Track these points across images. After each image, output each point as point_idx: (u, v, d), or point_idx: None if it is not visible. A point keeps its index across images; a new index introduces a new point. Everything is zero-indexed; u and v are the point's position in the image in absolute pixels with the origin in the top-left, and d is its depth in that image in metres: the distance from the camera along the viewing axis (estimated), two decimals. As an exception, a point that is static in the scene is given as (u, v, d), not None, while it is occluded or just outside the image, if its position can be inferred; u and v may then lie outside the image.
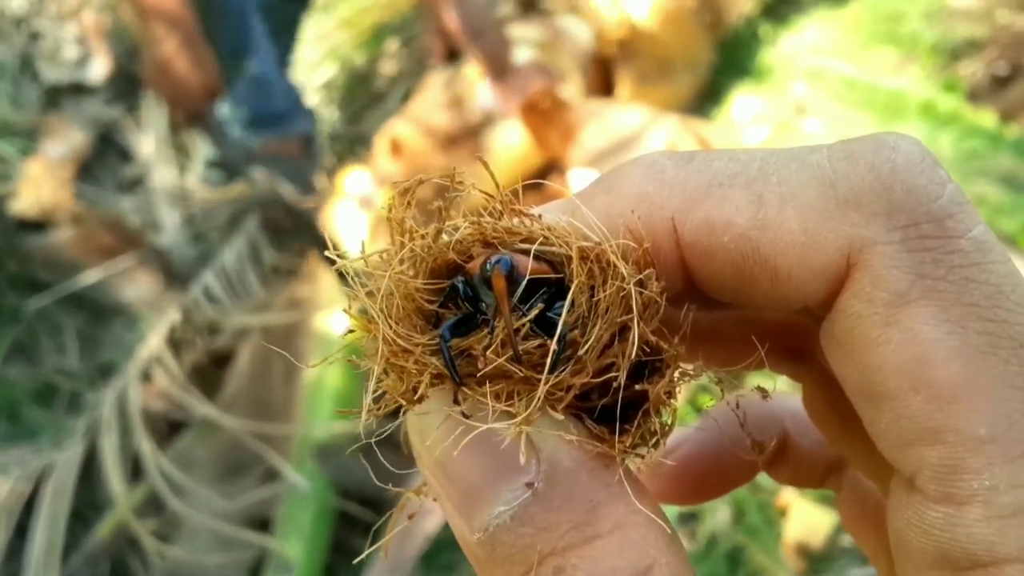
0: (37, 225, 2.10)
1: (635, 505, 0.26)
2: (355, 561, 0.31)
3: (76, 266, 2.03)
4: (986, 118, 2.26)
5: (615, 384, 0.28)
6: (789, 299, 0.28)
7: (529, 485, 0.26)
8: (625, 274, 0.28)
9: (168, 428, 1.70)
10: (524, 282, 0.28)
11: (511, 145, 1.97)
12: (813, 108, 2.37)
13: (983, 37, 2.47)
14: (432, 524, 1.52)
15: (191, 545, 1.54)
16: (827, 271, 0.26)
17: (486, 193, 0.31)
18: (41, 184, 2.10)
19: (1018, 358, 0.24)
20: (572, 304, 0.28)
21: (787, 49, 2.58)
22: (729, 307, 0.33)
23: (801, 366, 0.36)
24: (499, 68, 2.04)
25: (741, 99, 2.43)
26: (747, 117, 2.37)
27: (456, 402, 0.27)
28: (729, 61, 2.52)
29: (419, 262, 0.30)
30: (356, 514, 1.58)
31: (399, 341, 0.28)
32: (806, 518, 1.53)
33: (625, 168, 0.30)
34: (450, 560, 1.54)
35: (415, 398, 0.28)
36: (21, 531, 1.56)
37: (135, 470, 1.65)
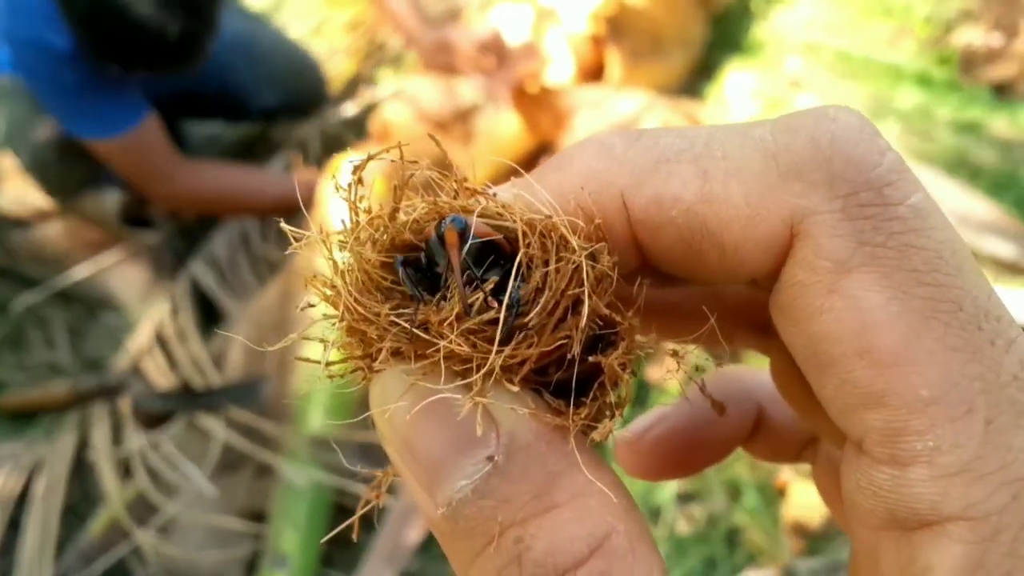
0: (22, 221, 2.09)
1: (592, 475, 0.26)
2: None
3: (64, 260, 2.02)
4: (981, 90, 2.25)
5: (569, 356, 0.28)
6: (737, 272, 0.28)
7: (490, 458, 0.26)
8: (576, 247, 0.28)
9: (160, 421, 1.70)
10: (476, 242, 0.28)
11: (502, 129, 1.96)
12: (807, 83, 2.36)
13: (976, 8, 2.45)
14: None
15: (186, 540, 1.54)
16: (771, 242, 0.27)
17: (440, 172, 0.31)
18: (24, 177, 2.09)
19: (958, 321, 0.24)
20: (520, 270, 0.28)
21: (780, 23, 2.56)
22: (683, 282, 0.34)
23: (766, 339, 0.36)
24: (411, 33, 2.11)
25: (735, 75, 2.41)
26: (741, 93, 2.36)
27: (412, 322, 0.28)
28: (722, 37, 2.50)
29: (376, 242, 0.31)
30: (352, 505, 1.58)
31: (359, 309, 0.29)
32: (804, 498, 1.53)
33: (576, 147, 0.31)
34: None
35: (374, 365, 0.29)
36: (14, 526, 1.56)
37: (128, 465, 1.64)
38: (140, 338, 1.87)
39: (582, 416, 0.28)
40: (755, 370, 0.40)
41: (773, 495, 1.56)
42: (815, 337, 0.26)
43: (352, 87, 2.52)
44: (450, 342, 0.27)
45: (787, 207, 0.26)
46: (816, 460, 0.40)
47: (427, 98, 2.01)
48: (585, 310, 0.28)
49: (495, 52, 2.06)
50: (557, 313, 0.28)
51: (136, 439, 1.66)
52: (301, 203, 1.93)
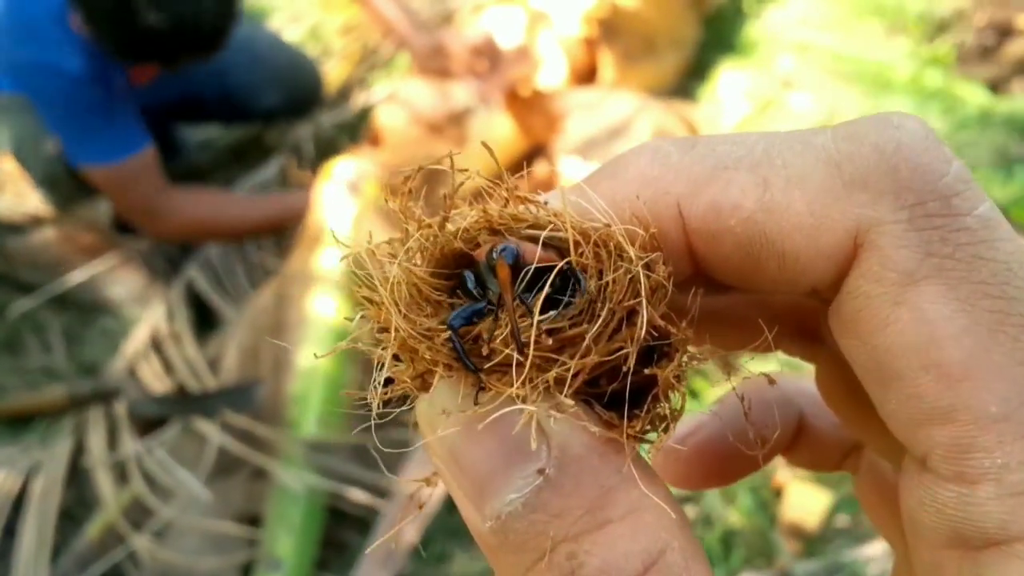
0: (18, 227, 2.09)
1: (646, 490, 0.26)
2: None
3: (60, 266, 2.02)
4: (974, 89, 2.25)
5: (624, 368, 0.27)
6: (797, 282, 0.28)
7: (540, 472, 0.25)
8: (632, 257, 0.28)
9: (156, 425, 1.70)
10: (531, 270, 0.28)
11: (496, 132, 1.96)
12: (800, 82, 2.36)
13: (969, 6, 2.45)
14: (424, 515, 1.52)
15: (181, 544, 1.54)
16: (835, 252, 0.26)
17: (491, 180, 0.31)
18: (20, 184, 2.09)
19: None
20: (578, 283, 0.28)
21: (773, 23, 2.56)
22: (737, 291, 0.33)
23: (813, 347, 0.36)
24: (403, 37, 2.12)
25: (727, 75, 2.41)
26: (734, 93, 2.36)
27: (473, 392, 0.27)
28: (714, 37, 2.50)
29: (426, 251, 0.30)
30: (347, 509, 1.58)
31: (411, 329, 0.28)
32: (801, 499, 1.53)
33: (630, 154, 0.30)
34: (442, 550, 1.55)
35: (425, 385, 0.28)
36: (10, 531, 1.56)
37: (124, 469, 1.65)
38: (136, 342, 1.87)
39: (635, 428, 0.27)
40: (797, 377, 0.40)
41: (769, 497, 1.56)
42: (880, 349, 0.25)
43: (346, 91, 2.52)
44: (503, 369, 0.26)
45: (852, 217, 0.26)
46: (858, 470, 0.40)
47: (421, 101, 2.01)
48: (642, 321, 0.27)
49: (488, 55, 2.07)
50: (612, 324, 0.27)
51: (132, 444, 1.66)
52: (292, 218, 1.95)
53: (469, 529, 0.27)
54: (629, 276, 0.27)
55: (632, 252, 0.28)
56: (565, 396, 0.26)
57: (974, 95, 2.24)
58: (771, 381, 0.33)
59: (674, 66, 2.38)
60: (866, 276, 0.26)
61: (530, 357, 0.26)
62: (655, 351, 0.29)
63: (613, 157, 0.31)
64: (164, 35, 1.64)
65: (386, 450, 0.32)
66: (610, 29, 2.16)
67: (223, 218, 2.01)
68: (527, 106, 1.93)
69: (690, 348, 0.29)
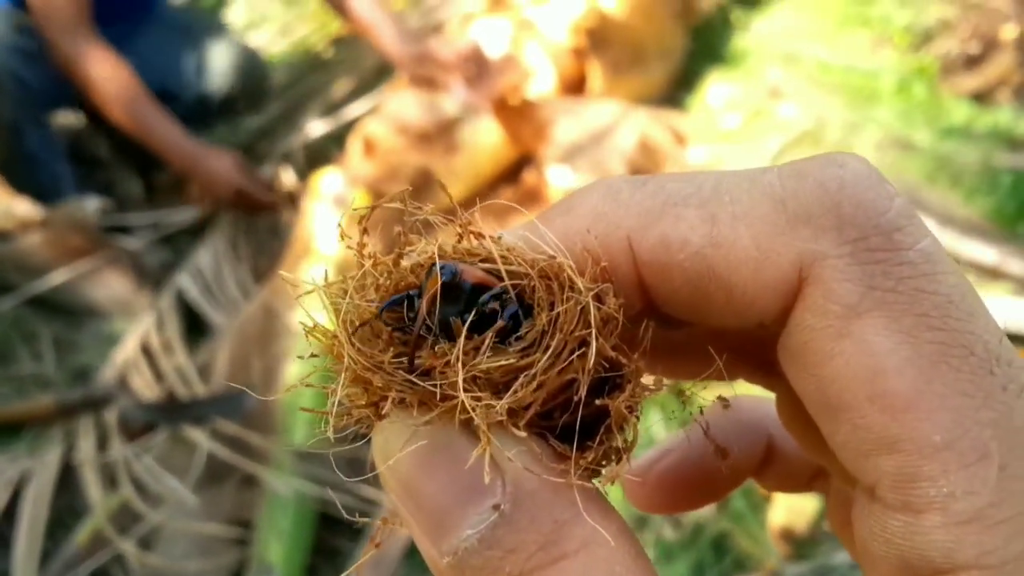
0: (4, 232, 2.09)
1: (599, 523, 0.26)
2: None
3: (47, 269, 2.01)
4: (959, 99, 2.27)
5: (575, 399, 0.28)
6: (745, 315, 0.28)
7: (496, 507, 0.26)
8: (582, 288, 0.28)
9: (145, 433, 1.70)
10: (468, 287, 0.28)
11: (484, 141, 1.97)
12: (788, 92, 2.38)
13: (955, 17, 2.48)
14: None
15: (171, 550, 1.54)
16: (780, 286, 0.27)
17: (446, 216, 0.31)
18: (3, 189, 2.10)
19: (968, 365, 0.24)
20: (526, 315, 0.28)
21: (760, 33, 2.58)
22: (688, 325, 0.33)
23: (771, 377, 0.36)
24: (391, 48, 2.14)
25: (716, 86, 2.43)
26: (722, 103, 2.37)
27: (412, 363, 0.28)
28: (702, 47, 2.52)
29: (380, 287, 0.31)
30: (337, 515, 1.58)
31: (362, 360, 0.28)
32: (790, 503, 1.53)
33: (583, 190, 0.31)
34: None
35: (379, 413, 0.29)
36: (1, 539, 1.56)
37: (113, 476, 1.64)
38: (126, 350, 1.87)
39: (588, 460, 0.28)
40: (764, 401, 0.40)
41: (759, 500, 1.56)
42: (826, 381, 0.26)
43: (336, 102, 2.53)
44: (450, 387, 0.27)
45: (796, 251, 0.26)
46: (828, 491, 0.40)
47: (408, 111, 2.02)
48: (592, 352, 0.27)
49: (476, 65, 2.08)
50: (563, 355, 0.28)
51: (121, 450, 1.65)
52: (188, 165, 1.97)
53: (426, 562, 0.28)
54: (579, 307, 0.28)
55: (581, 284, 0.28)
56: (519, 428, 0.27)
57: (959, 106, 2.26)
58: (725, 405, 0.34)
59: (662, 76, 2.39)
60: (811, 309, 0.26)
61: (460, 374, 0.27)
62: (607, 382, 0.29)
63: (569, 193, 0.32)
64: None
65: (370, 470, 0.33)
66: (598, 39, 2.17)
67: (124, 106, 2.02)
68: (515, 115, 1.94)
69: (642, 379, 0.30)
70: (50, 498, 1.61)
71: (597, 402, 0.28)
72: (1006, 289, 1.78)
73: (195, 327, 1.96)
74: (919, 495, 0.24)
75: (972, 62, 2.40)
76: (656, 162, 1.90)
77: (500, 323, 0.28)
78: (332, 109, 2.49)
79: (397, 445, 0.27)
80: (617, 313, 0.29)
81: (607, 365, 0.29)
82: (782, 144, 2.20)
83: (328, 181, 1.95)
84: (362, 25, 2.16)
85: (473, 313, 0.28)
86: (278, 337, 1.78)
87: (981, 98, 2.31)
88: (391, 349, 0.29)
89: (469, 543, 0.26)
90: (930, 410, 0.24)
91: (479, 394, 0.27)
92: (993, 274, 1.80)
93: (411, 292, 0.30)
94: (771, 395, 0.37)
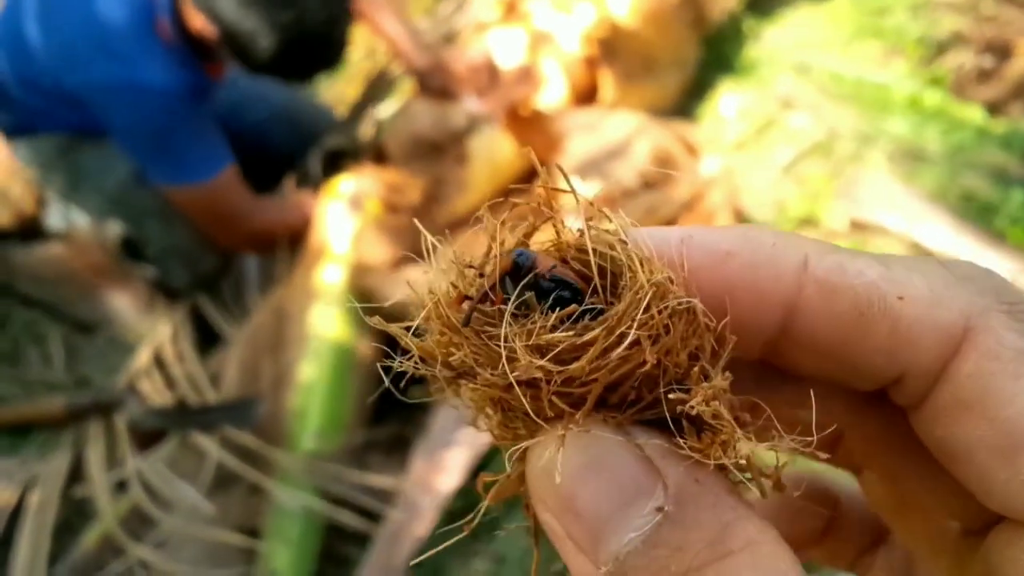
0: (24, 239, 2.11)
1: (762, 524, 0.27)
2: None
3: (65, 280, 2.03)
4: (972, 111, 2.26)
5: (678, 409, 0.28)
6: (897, 357, 0.29)
7: (659, 509, 0.26)
8: (676, 295, 0.28)
9: (155, 439, 1.71)
10: (532, 275, 0.29)
11: (497, 151, 1.98)
12: (799, 103, 2.37)
13: (968, 30, 2.47)
14: (421, 528, 1.52)
15: (180, 558, 1.54)
16: (949, 328, 0.28)
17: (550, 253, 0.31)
18: (9, 190, 2.11)
19: None
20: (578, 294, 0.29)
21: (772, 44, 2.57)
22: (797, 381, 0.33)
23: (850, 461, 0.38)
24: (406, 56, 2.13)
25: (728, 96, 2.43)
26: (734, 113, 2.37)
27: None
28: (714, 57, 2.52)
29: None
30: (345, 523, 1.58)
31: (495, 380, 0.28)
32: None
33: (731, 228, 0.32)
34: (437, 563, 1.55)
35: (516, 437, 0.30)
36: (7, 542, 1.57)
37: (122, 482, 1.65)
38: (140, 360, 1.88)
39: (739, 456, 0.28)
40: (832, 476, 0.41)
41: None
42: (1009, 422, 0.27)
43: (353, 110, 2.54)
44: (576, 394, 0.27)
45: (964, 301, 0.28)
46: (869, 570, 0.41)
47: (422, 120, 2.03)
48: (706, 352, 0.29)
49: (489, 75, 2.08)
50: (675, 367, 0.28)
51: (131, 455, 1.66)
52: (301, 225, 1.96)
53: None
54: (684, 307, 0.28)
55: (675, 291, 0.28)
56: (630, 421, 0.28)
57: (972, 116, 2.25)
58: (781, 488, 0.33)
59: (674, 86, 2.39)
60: (985, 355, 0.27)
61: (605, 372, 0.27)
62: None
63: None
64: (282, 56, 1.60)
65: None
66: (610, 49, 2.18)
67: (276, 221, 1.98)
68: (527, 126, 1.95)
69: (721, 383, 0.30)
70: (58, 501, 1.62)
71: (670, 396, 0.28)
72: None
73: (206, 334, 1.98)
74: None
75: (985, 74, 2.39)
76: (669, 174, 1.90)
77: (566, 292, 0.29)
78: (350, 117, 2.50)
79: (555, 461, 0.28)
80: (710, 321, 0.29)
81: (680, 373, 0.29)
82: (794, 155, 2.20)
83: (344, 186, 1.96)
84: (381, 32, 2.17)
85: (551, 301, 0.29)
86: (289, 344, 1.79)
87: (994, 109, 2.30)
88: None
89: (632, 546, 0.26)
90: None
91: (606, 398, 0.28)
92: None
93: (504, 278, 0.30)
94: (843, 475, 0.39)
